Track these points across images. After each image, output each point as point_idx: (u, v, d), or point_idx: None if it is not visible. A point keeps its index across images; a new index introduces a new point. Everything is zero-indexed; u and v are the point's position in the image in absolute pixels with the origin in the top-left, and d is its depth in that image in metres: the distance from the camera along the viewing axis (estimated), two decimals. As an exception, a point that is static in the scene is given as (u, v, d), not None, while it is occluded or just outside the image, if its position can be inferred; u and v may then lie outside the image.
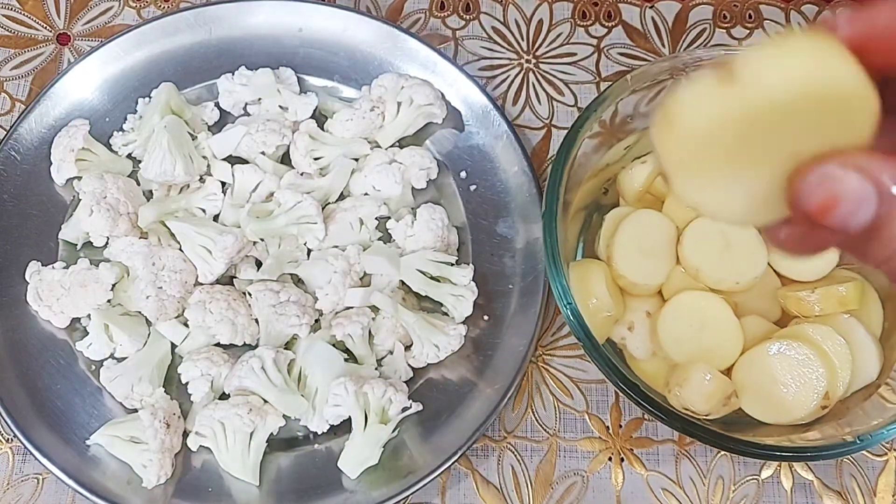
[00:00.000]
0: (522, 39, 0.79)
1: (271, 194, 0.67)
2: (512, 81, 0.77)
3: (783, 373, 0.56)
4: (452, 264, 0.66)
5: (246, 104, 0.72)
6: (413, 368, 0.65)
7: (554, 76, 0.77)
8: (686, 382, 0.56)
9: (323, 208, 0.67)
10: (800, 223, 0.31)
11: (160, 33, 0.73)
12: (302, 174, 0.69)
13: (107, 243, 0.66)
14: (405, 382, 0.64)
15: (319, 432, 0.62)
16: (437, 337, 0.63)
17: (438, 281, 0.66)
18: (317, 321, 0.65)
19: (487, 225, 0.70)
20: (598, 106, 0.61)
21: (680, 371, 0.58)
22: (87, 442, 0.61)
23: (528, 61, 0.78)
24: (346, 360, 0.63)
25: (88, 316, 0.64)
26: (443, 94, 0.71)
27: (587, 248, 0.65)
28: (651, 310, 0.61)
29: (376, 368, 0.64)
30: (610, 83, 0.63)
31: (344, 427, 0.62)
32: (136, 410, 0.62)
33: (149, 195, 0.69)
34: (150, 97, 0.71)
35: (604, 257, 0.62)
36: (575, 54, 0.78)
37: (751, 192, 0.31)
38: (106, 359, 0.64)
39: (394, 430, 0.61)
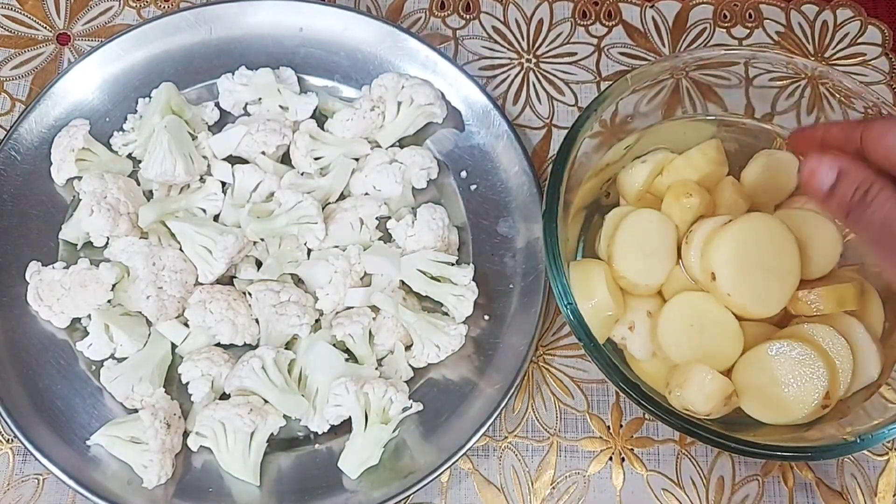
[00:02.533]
0: (523, 39, 0.79)
1: (272, 194, 0.67)
2: (512, 81, 0.77)
3: (784, 373, 0.56)
4: (453, 264, 0.66)
5: (246, 104, 0.72)
6: (414, 368, 0.65)
7: (554, 76, 0.77)
8: (686, 383, 0.56)
9: (323, 208, 0.67)
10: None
11: (160, 33, 0.73)
12: (302, 174, 0.69)
13: (107, 243, 0.66)
14: (406, 382, 0.64)
15: (320, 432, 0.62)
16: (438, 337, 0.63)
17: (439, 281, 0.66)
18: (317, 321, 0.65)
19: (488, 225, 0.70)
20: (598, 105, 0.61)
21: (680, 372, 0.57)
22: (88, 442, 0.61)
23: (528, 61, 0.78)
24: (346, 360, 0.63)
25: (89, 316, 0.64)
26: (443, 94, 0.71)
27: (587, 248, 0.65)
28: (652, 310, 0.61)
29: (377, 368, 0.64)
30: (610, 83, 0.63)
31: (344, 427, 0.62)
32: (136, 411, 0.62)
33: (149, 195, 0.69)
34: (150, 97, 0.71)
35: (604, 257, 0.62)
36: (575, 54, 0.78)
37: None
38: (106, 359, 0.64)
39: (394, 430, 0.61)
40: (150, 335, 0.64)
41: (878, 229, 0.46)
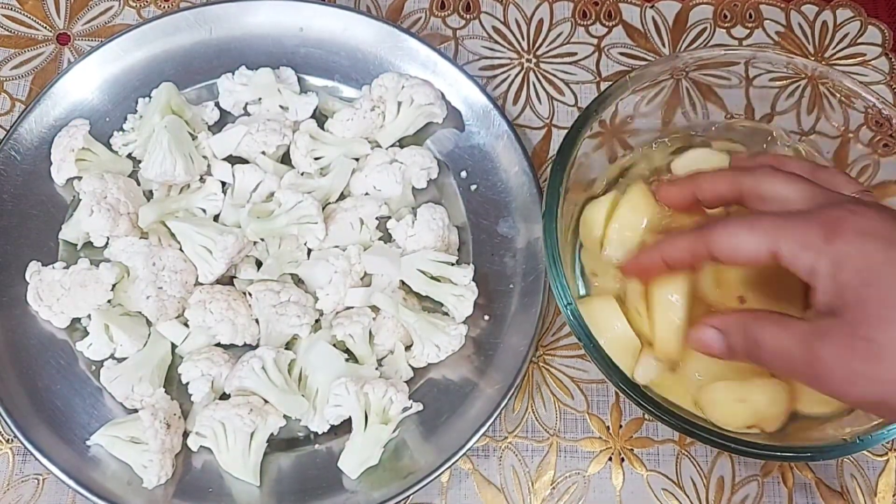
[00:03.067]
0: (523, 39, 0.79)
1: (272, 194, 0.67)
2: (512, 81, 0.77)
3: None
4: (453, 264, 0.66)
5: (246, 104, 0.72)
6: (414, 368, 0.65)
7: (554, 76, 0.77)
8: (760, 396, 0.56)
9: (323, 208, 0.67)
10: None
11: (160, 33, 0.73)
12: (302, 174, 0.69)
13: (107, 243, 0.66)
14: (406, 382, 0.64)
15: (320, 432, 0.62)
16: (438, 337, 0.63)
17: (439, 281, 0.66)
18: (317, 321, 0.65)
19: (488, 225, 0.70)
20: (598, 106, 0.61)
21: (746, 388, 0.57)
22: (88, 442, 0.61)
23: (528, 61, 0.78)
24: (346, 360, 0.63)
25: (88, 316, 0.64)
26: (443, 94, 0.71)
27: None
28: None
29: (377, 368, 0.64)
30: (610, 83, 0.63)
31: (344, 427, 0.62)
32: (136, 411, 0.62)
33: (149, 195, 0.69)
34: (150, 97, 0.71)
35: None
36: (575, 54, 0.78)
37: None
38: (106, 359, 0.64)
39: (394, 430, 0.61)
40: (150, 335, 0.64)
41: (778, 362, 0.48)
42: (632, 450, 0.65)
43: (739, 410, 0.56)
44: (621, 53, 0.79)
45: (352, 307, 0.65)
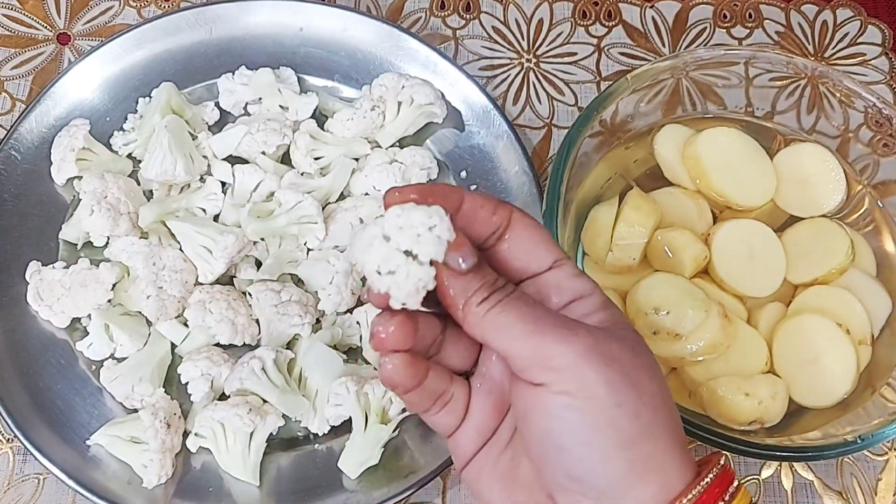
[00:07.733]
0: (523, 39, 0.79)
1: (272, 194, 0.67)
2: (512, 81, 0.77)
3: (815, 343, 0.58)
4: (453, 264, 0.66)
5: (246, 104, 0.72)
6: (413, 368, 0.65)
7: (554, 76, 0.77)
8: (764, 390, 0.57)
9: (323, 208, 0.67)
10: None
11: (160, 33, 0.73)
12: (302, 174, 0.69)
13: (107, 243, 0.66)
14: (406, 382, 0.64)
15: (320, 433, 0.62)
16: (438, 337, 0.63)
17: (439, 281, 0.65)
18: (317, 321, 0.65)
19: (488, 225, 0.69)
20: (598, 105, 0.61)
21: (756, 383, 0.58)
22: (88, 442, 0.61)
23: (528, 61, 0.78)
24: (346, 360, 0.63)
25: (89, 316, 0.64)
26: (443, 94, 0.71)
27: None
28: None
29: (376, 369, 0.64)
30: (610, 83, 0.63)
31: (344, 427, 0.62)
32: (136, 410, 0.62)
33: (149, 195, 0.69)
34: (150, 97, 0.71)
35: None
36: (575, 54, 0.78)
37: None
38: (106, 359, 0.64)
39: (394, 431, 0.61)
40: (149, 335, 0.64)
41: None
42: (632, 450, 0.65)
43: (744, 404, 0.56)
44: (621, 53, 0.79)
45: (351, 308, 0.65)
